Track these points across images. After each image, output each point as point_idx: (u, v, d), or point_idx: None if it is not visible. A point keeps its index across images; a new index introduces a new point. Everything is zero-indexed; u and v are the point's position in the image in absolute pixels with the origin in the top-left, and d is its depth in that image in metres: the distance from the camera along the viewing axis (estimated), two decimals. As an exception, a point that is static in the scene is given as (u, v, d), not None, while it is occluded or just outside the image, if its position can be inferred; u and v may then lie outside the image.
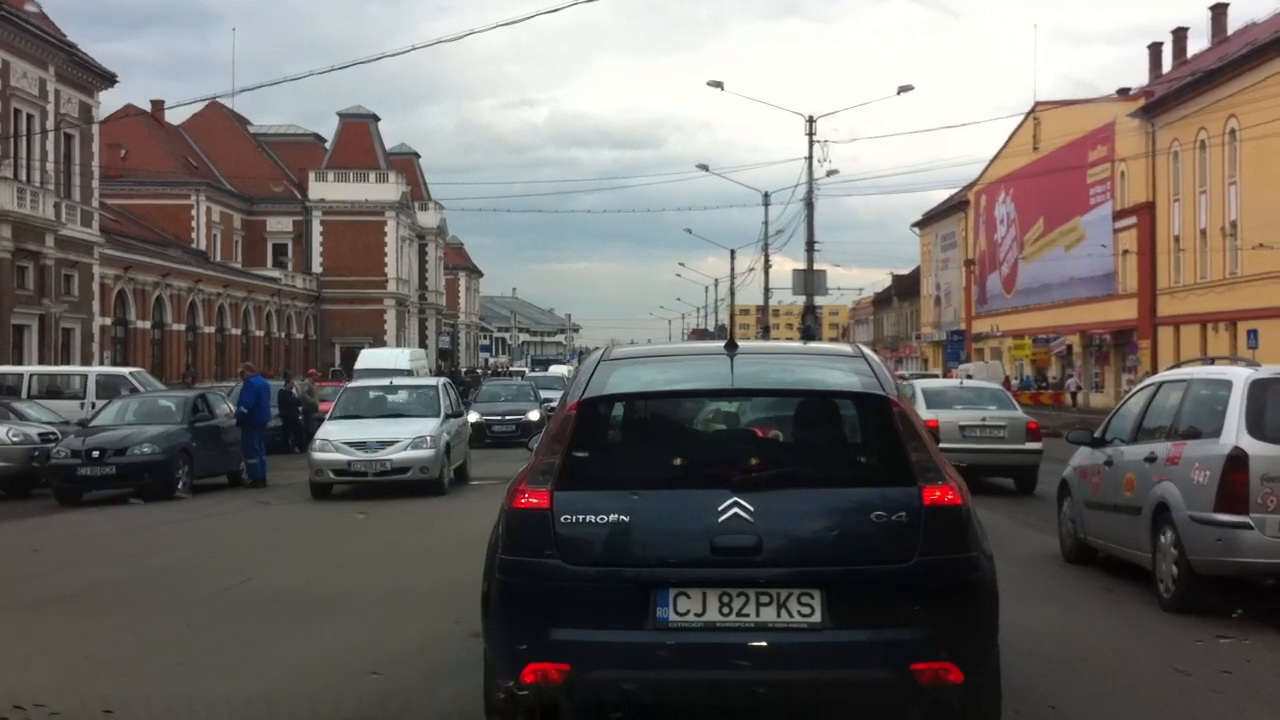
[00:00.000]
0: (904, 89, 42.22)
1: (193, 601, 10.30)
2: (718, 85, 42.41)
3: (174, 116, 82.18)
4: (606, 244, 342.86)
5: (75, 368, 33.79)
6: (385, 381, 23.37)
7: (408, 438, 19.17)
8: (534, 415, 32.24)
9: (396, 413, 20.77)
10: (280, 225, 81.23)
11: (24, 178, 40.67)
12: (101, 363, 42.36)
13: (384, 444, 19.09)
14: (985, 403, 20.65)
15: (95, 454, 18.44)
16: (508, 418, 33.15)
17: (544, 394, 35.56)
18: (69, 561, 13.03)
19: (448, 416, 20.52)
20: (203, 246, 71.61)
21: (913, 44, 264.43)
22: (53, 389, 27.77)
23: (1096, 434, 11.97)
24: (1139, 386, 12.23)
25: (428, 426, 19.64)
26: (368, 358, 46.44)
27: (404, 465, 18.92)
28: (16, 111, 40.23)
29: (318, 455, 19.07)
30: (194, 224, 72.61)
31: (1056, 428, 26.28)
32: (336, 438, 19.20)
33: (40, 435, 20.06)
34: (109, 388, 26.16)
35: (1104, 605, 10.20)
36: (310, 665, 7.89)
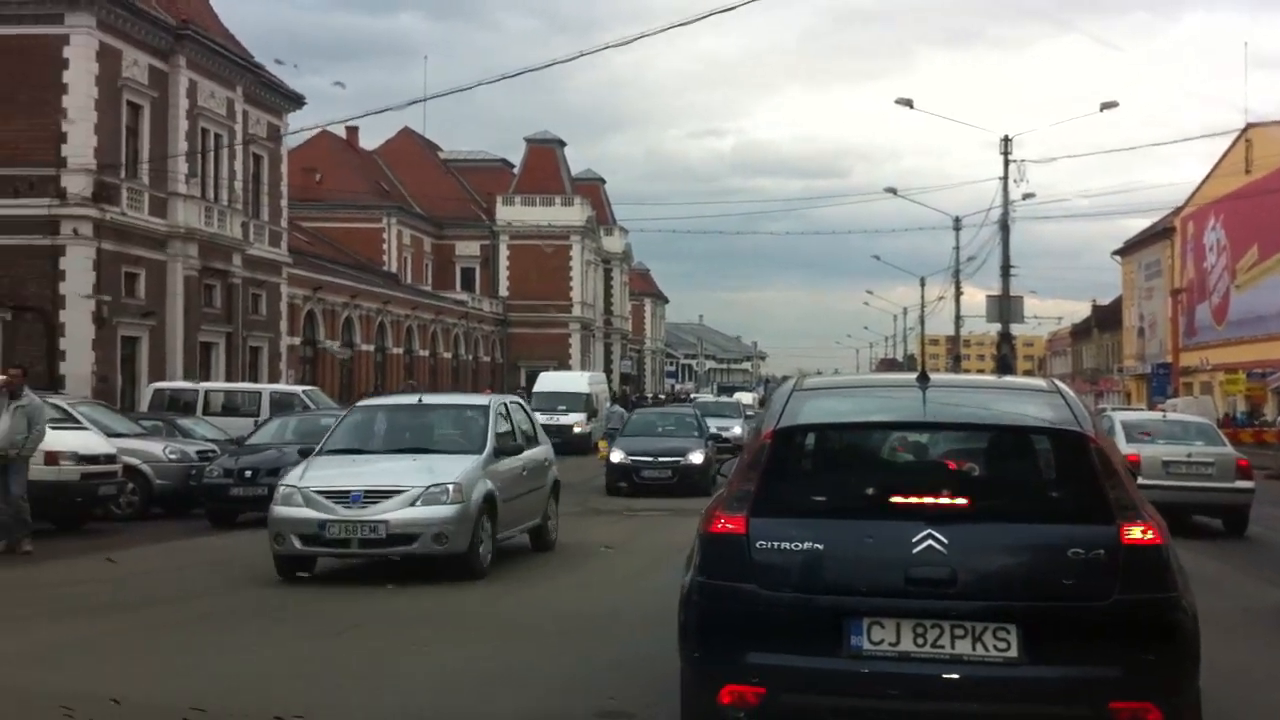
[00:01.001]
0: (1107, 105, 39.79)
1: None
2: (907, 103, 40.74)
3: (368, 143, 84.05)
4: (792, 272, 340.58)
5: (249, 385, 33.86)
6: (412, 399, 16.55)
7: (416, 486, 12.52)
8: (697, 458, 24.72)
9: (418, 446, 13.96)
10: (468, 249, 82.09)
11: (212, 197, 41.23)
12: (286, 381, 42.66)
13: (377, 495, 12.46)
14: (1191, 437, 19.49)
15: (248, 474, 17.69)
16: (661, 459, 24.88)
17: (715, 424, 30.72)
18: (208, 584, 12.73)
19: (499, 454, 13.86)
20: (393, 269, 72.61)
21: (1105, 72, 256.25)
22: (229, 406, 27.69)
23: None
24: None
25: (455, 469, 12.93)
26: (547, 381, 45.94)
27: (406, 531, 12.32)
28: (204, 131, 40.78)
29: (279, 511, 12.60)
30: (385, 247, 73.79)
31: (1277, 469, 24.15)
32: (313, 483, 12.69)
33: (199, 453, 19.59)
34: (283, 405, 25.85)
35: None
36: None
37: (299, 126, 53.17)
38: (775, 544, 5.40)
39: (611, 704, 7.23)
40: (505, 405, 15.30)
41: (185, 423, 22.20)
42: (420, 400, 16.12)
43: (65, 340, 34.28)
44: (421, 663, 8.65)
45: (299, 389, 29.25)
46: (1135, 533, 5.27)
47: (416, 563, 12.38)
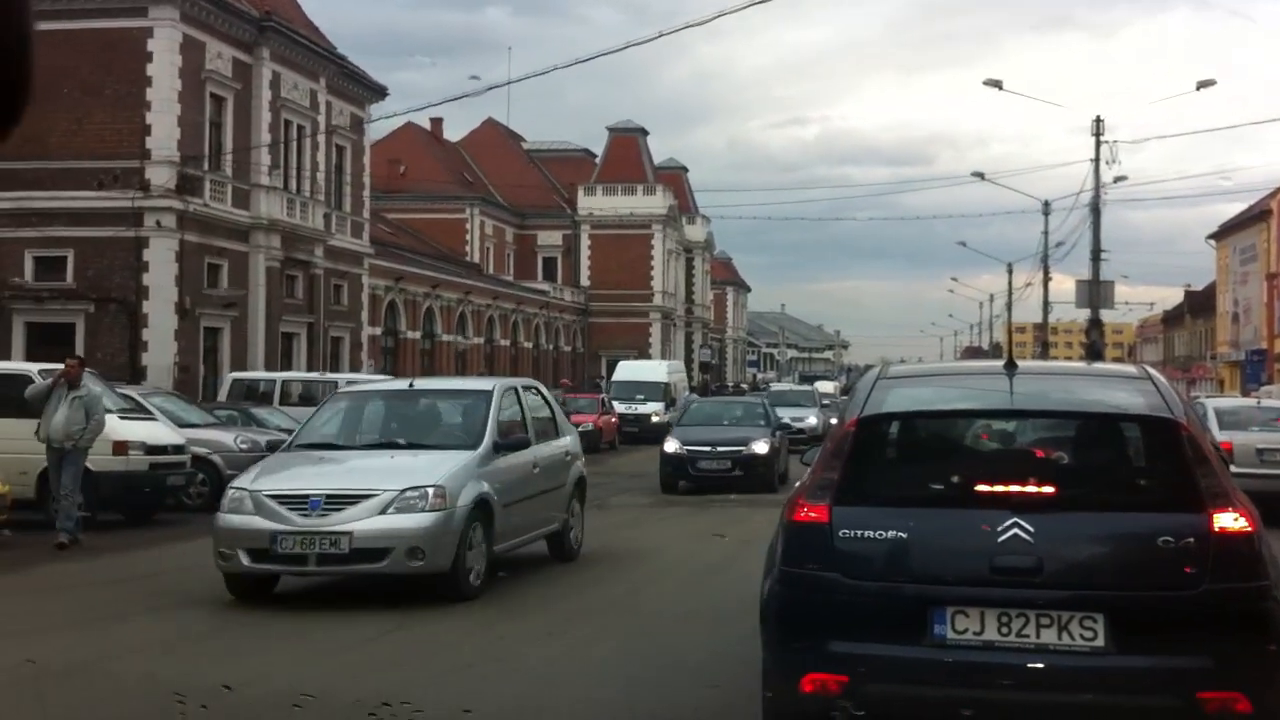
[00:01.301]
0: (1204, 84, 38.65)
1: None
2: (995, 84, 39.97)
3: (452, 135, 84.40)
4: (876, 261, 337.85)
5: (325, 374, 33.99)
6: (403, 384, 14.31)
7: (389, 490, 10.51)
8: (761, 448, 22.66)
9: (405, 440, 12.00)
10: (550, 239, 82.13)
11: (294, 188, 41.49)
12: (366, 371, 42.85)
13: (341, 501, 10.49)
14: None
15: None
16: (720, 449, 22.80)
17: (788, 414, 29.68)
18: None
19: (501, 448, 11.78)
20: (476, 259, 72.82)
21: (1199, 54, 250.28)
22: (306, 396, 27.79)
23: None
24: None
25: (439, 469, 10.91)
26: (625, 370, 45.83)
27: (374, 545, 10.32)
28: (287, 123, 40.99)
29: (224, 520, 10.74)
30: (467, 237, 74.01)
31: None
32: (267, 486, 10.77)
33: (268, 443, 19.60)
34: (357, 395, 25.82)
35: None
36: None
37: (381, 115, 53.38)
38: (858, 533, 5.39)
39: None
40: (515, 391, 13.18)
41: (260, 412, 22.26)
42: (411, 385, 13.88)
43: (148, 331, 34.57)
44: (525, 653, 8.77)
45: (377, 378, 29.33)
46: (1226, 521, 5.18)
47: (387, 583, 10.50)
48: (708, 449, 22.87)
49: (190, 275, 35.64)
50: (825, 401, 40.95)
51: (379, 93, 48.10)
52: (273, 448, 19.35)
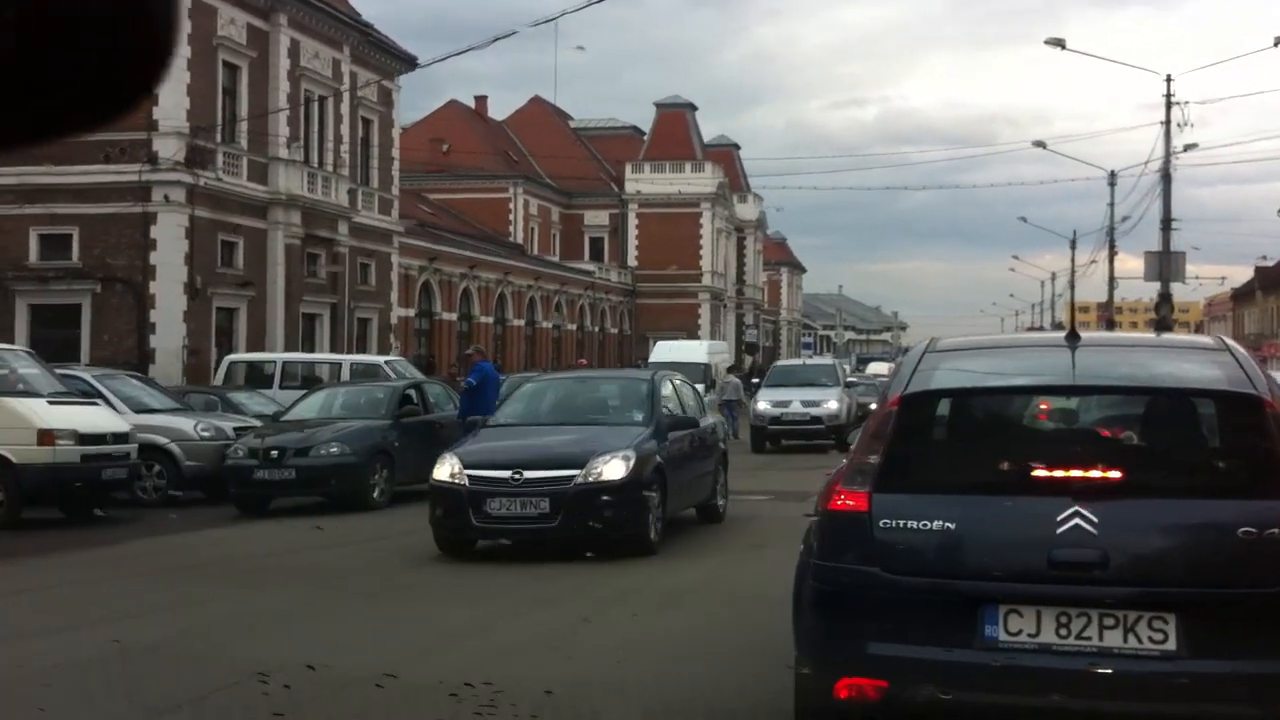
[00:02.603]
0: (1281, 40, 35.82)
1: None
2: (1058, 43, 37.43)
3: (498, 113, 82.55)
4: (935, 242, 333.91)
5: (328, 355, 32.08)
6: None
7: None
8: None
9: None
10: (597, 219, 80.00)
11: (316, 162, 39.57)
12: (394, 353, 41.01)
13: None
14: None
15: (274, 454, 15.52)
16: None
17: (796, 397, 29.63)
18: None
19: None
20: (519, 240, 70.89)
21: (1270, 22, 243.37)
22: (310, 378, 25.89)
23: None
24: None
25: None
26: (663, 350, 43.36)
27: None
28: (308, 93, 39.00)
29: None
30: (511, 217, 72.05)
31: None
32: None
33: (238, 430, 17.57)
34: (366, 377, 23.87)
35: None
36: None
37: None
38: (901, 523, 4.96)
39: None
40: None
41: (240, 396, 20.27)
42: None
43: (155, 312, 32.77)
44: (602, 632, 8.84)
45: (380, 359, 27.43)
46: None
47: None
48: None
49: (202, 253, 33.82)
50: (854, 380, 39.48)
51: (409, 63, 45.64)
52: (240, 434, 17.42)
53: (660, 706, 6.60)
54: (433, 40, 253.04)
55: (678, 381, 15.27)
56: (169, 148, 32.77)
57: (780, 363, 37.16)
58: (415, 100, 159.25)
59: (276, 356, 28.24)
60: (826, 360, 38.96)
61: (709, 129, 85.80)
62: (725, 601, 9.91)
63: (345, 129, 41.65)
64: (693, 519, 14.53)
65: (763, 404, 29.15)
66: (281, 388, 24.20)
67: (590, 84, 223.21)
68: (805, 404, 28.79)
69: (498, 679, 6.86)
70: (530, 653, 8.07)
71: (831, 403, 28.87)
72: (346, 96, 41.44)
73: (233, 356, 28.71)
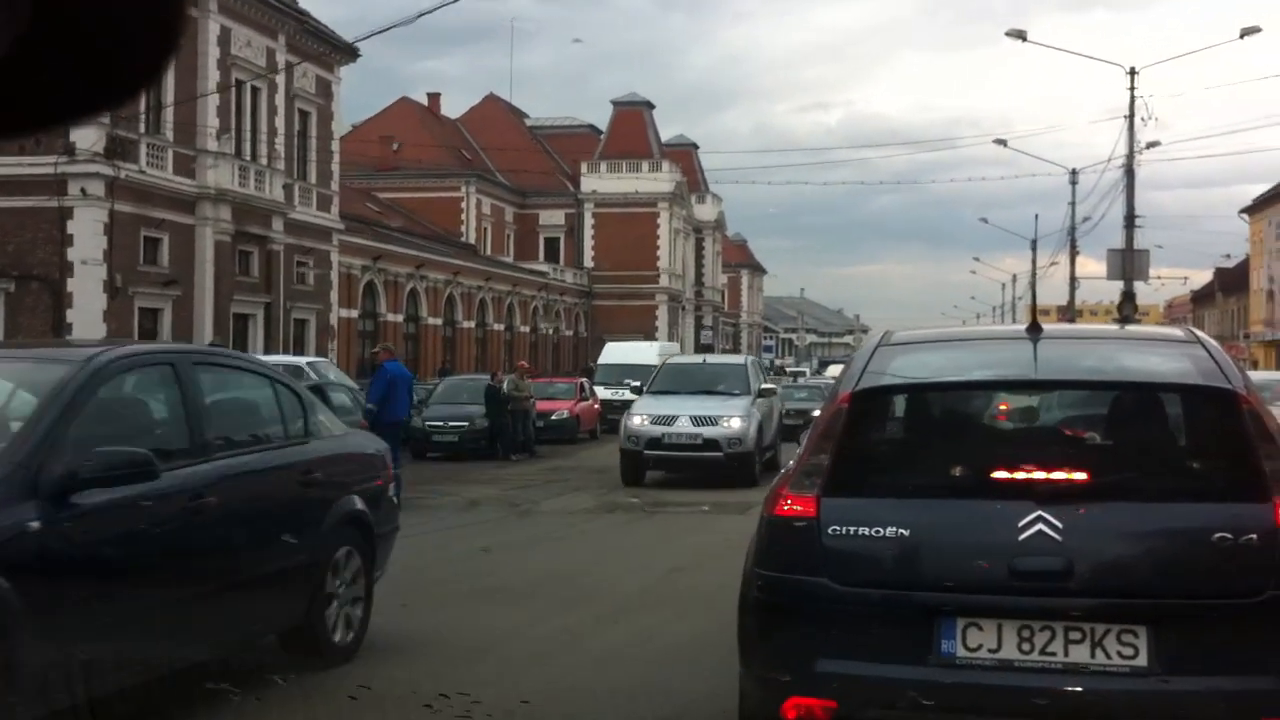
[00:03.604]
0: (1248, 31, 34.78)
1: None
2: (1019, 35, 36.17)
3: (452, 111, 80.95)
4: (899, 244, 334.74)
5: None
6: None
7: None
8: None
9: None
10: (552, 219, 78.47)
11: (249, 155, 37.88)
12: (331, 355, 39.32)
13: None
14: None
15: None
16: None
17: (687, 411, 20.74)
18: None
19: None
20: (472, 240, 69.28)
21: (1232, 30, 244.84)
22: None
23: None
24: None
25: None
26: (613, 352, 41.99)
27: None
28: (239, 83, 37.31)
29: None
30: (464, 217, 70.47)
31: None
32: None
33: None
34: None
35: None
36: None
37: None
38: (851, 529, 4.68)
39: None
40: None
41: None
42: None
43: (73, 312, 31.12)
44: (582, 638, 8.70)
45: (301, 360, 25.96)
46: None
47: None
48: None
49: (123, 250, 32.13)
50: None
51: (349, 53, 44.06)
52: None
53: (639, 715, 6.53)
54: (385, 38, 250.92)
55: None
56: (87, 138, 30.98)
57: (672, 361, 26.03)
58: (368, 100, 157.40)
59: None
60: (736, 359, 29.75)
61: (677, 132, 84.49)
62: (706, 606, 9.44)
63: (280, 121, 39.97)
64: (701, 511, 17.27)
65: (637, 419, 20.86)
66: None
67: (556, 88, 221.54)
68: (696, 421, 20.45)
69: (473, 689, 6.67)
70: (508, 662, 7.91)
71: (734, 420, 20.45)
72: (282, 88, 39.78)
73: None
